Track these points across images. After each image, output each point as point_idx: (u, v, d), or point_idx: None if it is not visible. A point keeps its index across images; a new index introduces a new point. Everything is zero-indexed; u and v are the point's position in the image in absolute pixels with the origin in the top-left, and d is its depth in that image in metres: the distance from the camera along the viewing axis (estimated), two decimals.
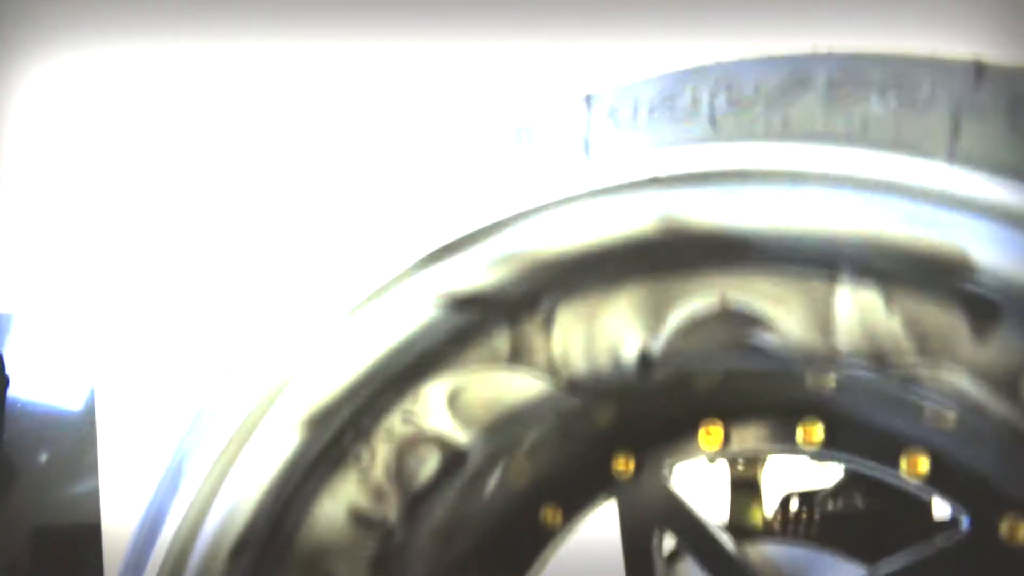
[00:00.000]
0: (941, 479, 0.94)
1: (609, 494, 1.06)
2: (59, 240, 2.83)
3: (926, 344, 0.77)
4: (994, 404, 0.76)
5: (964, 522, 0.93)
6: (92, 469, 2.82)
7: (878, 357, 0.80)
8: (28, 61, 2.88)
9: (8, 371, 2.88)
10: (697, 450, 1.05)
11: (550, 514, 1.09)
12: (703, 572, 1.03)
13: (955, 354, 0.76)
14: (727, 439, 1.04)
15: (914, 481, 0.95)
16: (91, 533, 2.75)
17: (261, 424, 0.89)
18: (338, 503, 0.95)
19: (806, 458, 1.24)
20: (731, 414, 1.03)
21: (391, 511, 0.96)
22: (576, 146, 0.81)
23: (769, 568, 1.02)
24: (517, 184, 0.81)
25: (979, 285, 0.69)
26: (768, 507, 1.23)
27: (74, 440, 2.87)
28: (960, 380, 0.78)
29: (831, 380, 0.96)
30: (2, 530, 2.80)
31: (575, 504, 1.08)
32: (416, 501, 0.96)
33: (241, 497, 0.90)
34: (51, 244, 2.82)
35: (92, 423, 2.85)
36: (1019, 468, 0.90)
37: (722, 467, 1.23)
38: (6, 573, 2.77)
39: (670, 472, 1.05)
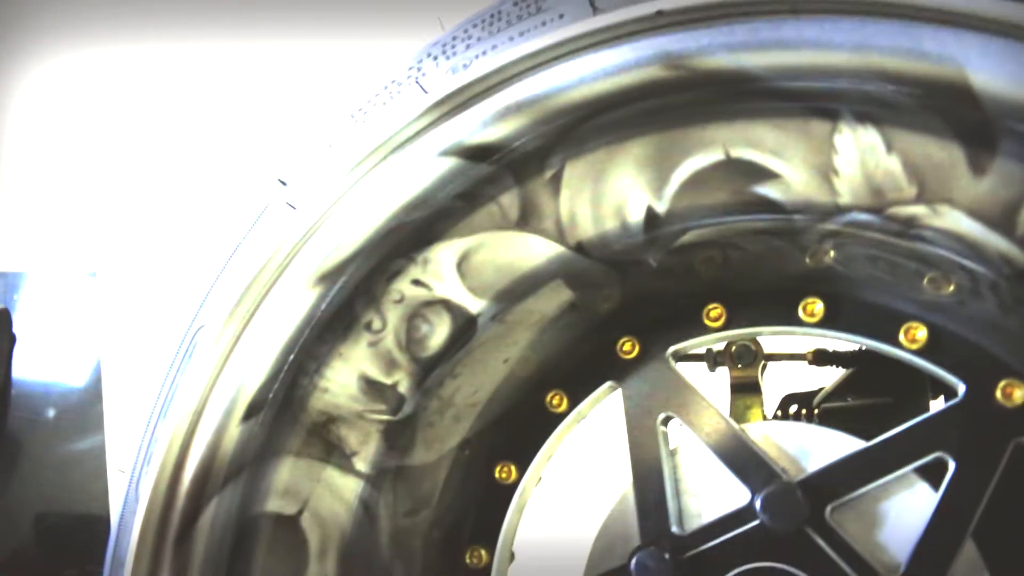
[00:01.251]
0: (938, 349, 0.96)
1: (614, 379, 1.08)
2: (68, 198, 2.85)
3: (925, 183, 0.79)
4: (992, 240, 0.78)
5: (961, 389, 0.95)
6: (98, 424, 2.84)
7: (878, 202, 0.82)
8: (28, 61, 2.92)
9: (15, 329, 2.90)
10: (700, 333, 1.06)
11: (556, 399, 1.11)
12: (707, 452, 1.04)
13: (953, 193, 0.78)
14: (729, 320, 1.06)
15: (912, 352, 0.97)
16: (98, 485, 2.77)
17: (275, 285, 0.91)
18: (350, 370, 0.96)
19: (805, 364, 1.26)
20: (733, 296, 1.05)
21: (402, 380, 0.98)
22: (582, 2, 0.83)
23: (771, 446, 1.04)
24: (525, 41, 0.83)
25: (977, 108, 0.71)
26: (768, 409, 1.25)
27: (80, 396, 2.90)
28: (958, 222, 0.80)
29: (830, 256, 0.98)
30: (13, 484, 2.82)
31: (580, 390, 1.10)
32: (426, 370, 0.98)
33: (255, 358, 0.92)
34: (60, 202, 2.84)
35: (98, 380, 2.87)
36: (1014, 336, 0.92)
37: (723, 373, 1.25)
38: (17, 527, 2.79)
39: (674, 356, 1.07)
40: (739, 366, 1.20)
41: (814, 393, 1.28)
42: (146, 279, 2.85)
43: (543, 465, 1.11)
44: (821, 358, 1.25)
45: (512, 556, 1.14)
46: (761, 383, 1.21)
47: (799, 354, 1.25)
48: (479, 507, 1.11)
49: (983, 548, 0.96)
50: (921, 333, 0.97)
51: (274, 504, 0.96)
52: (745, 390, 1.20)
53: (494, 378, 1.04)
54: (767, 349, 1.21)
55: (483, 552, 1.11)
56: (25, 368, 2.79)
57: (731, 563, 0.99)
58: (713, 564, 1.00)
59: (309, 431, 0.96)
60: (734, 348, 1.20)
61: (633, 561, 1.01)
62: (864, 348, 1.23)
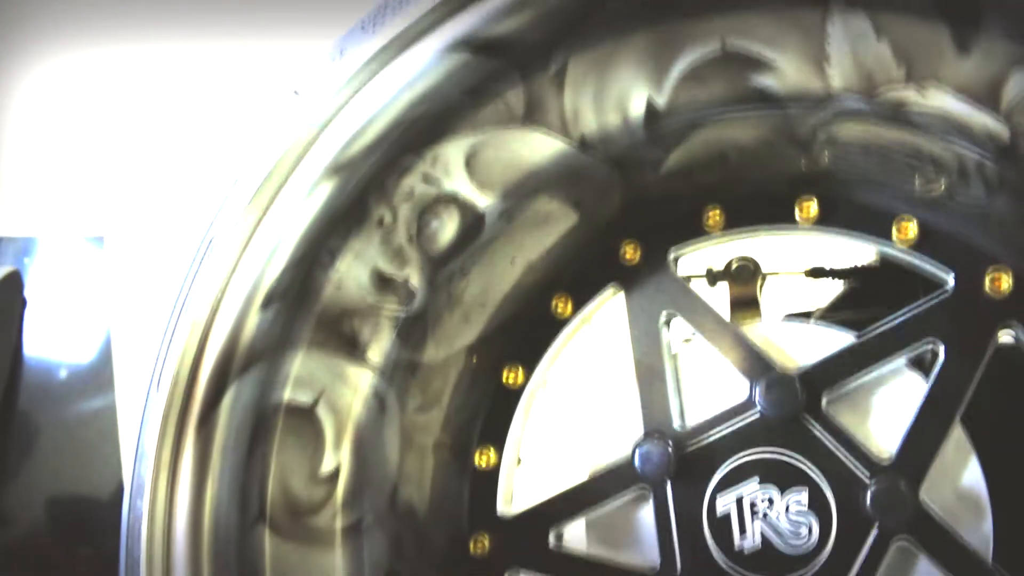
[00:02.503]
0: (929, 243, 1.01)
1: (617, 283, 1.12)
2: (75, 163, 2.89)
3: (912, 64, 0.83)
4: (978, 118, 0.82)
5: (950, 280, 0.99)
6: (108, 383, 2.89)
7: (869, 86, 0.86)
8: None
9: (27, 293, 2.95)
10: (700, 236, 1.11)
11: (560, 304, 1.15)
12: (708, 352, 1.08)
13: (940, 71, 0.83)
14: (728, 224, 1.10)
15: (903, 246, 1.01)
16: (109, 444, 2.81)
17: (291, 176, 0.95)
18: (362, 264, 1.01)
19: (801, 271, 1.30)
20: (731, 199, 1.09)
21: (412, 274, 1.02)
22: None
23: (769, 345, 1.08)
24: None
25: None
26: None
27: (91, 357, 2.94)
28: (945, 101, 0.84)
29: (824, 156, 1.02)
30: (23, 444, 2.87)
31: (584, 294, 1.14)
32: (436, 266, 1.02)
33: (273, 248, 0.96)
34: (68, 167, 2.88)
35: (108, 341, 2.91)
36: (1001, 226, 0.96)
37: (722, 289, 1.28)
38: (27, 485, 2.83)
39: (675, 260, 1.11)
40: (738, 287, 1.23)
41: (811, 312, 1.32)
42: (155, 244, 2.89)
43: (549, 368, 1.15)
44: (817, 273, 1.28)
45: (519, 461, 1.18)
46: (760, 299, 1.25)
47: (796, 271, 1.29)
48: (488, 409, 1.15)
49: (971, 432, 0.99)
50: (912, 228, 1.01)
51: (291, 394, 1.00)
52: (744, 306, 1.24)
53: (501, 280, 1.08)
54: (765, 266, 1.25)
55: (492, 452, 1.15)
56: (36, 331, 2.83)
57: (732, 453, 1.04)
58: (714, 455, 1.04)
59: (324, 324, 1.00)
60: (734, 265, 1.23)
61: (636, 453, 1.05)
62: (858, 264, 1.28)
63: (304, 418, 1.01)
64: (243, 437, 0.97)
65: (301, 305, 0.98)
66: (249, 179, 0.93)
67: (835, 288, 1.32)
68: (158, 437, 0.95)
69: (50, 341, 2.81)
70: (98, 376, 2.77)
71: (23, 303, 2.82)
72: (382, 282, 1.00)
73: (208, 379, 0.95)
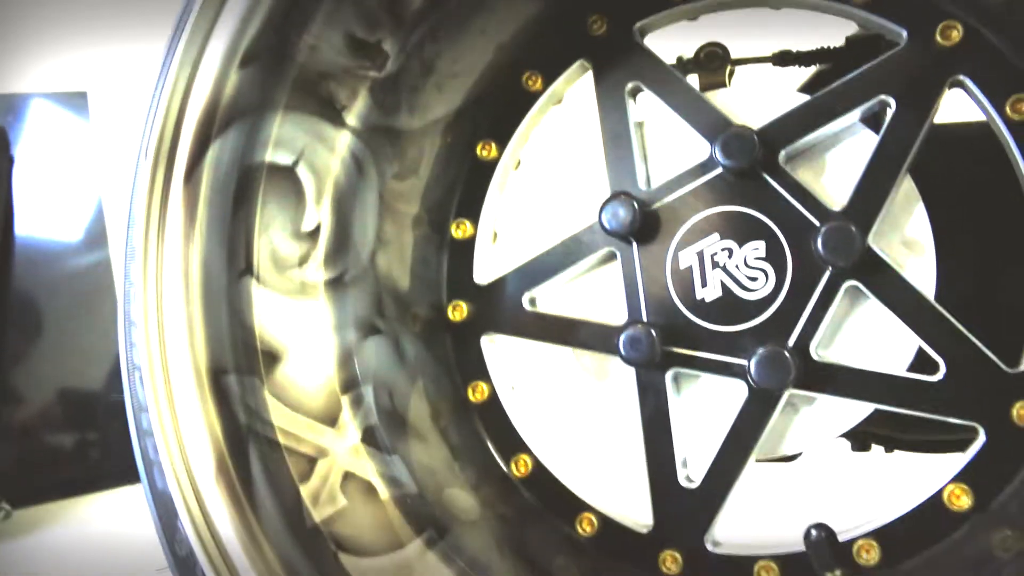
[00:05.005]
0: (884, 2, 1.04)
1: (584, 57, 1.16)
2: (58, 17, 2.87)
3: None
4: None
5: (903, 35, 1.03)
6: (101, 238, 2.94)
7: None
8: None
9: (13, 152, 2.96)
10: (666, 7, 1.14)
11: (531, 80, 1.19)
12: (667, 109, 1.12)
13: None
14: None
15: (861, 7, 1.04)
16: (105, 293, 2.88)
17: None
18: (336, 27, 1.04)
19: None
20: None
21: (384, 38, 1.05)
22: None
23: (729, 109, 1.12)
24: None
25: None
26: None
27: (83, 216, 2.98)
28: None
29: None
30: (20, 302, 2.93)
31: (553, 69, 1.18)
32: (407, 29, 1.06)
33: (248, 8, 0.99)
34: (51, 22, 2.87)
35: (98, 199, 2.95)
36: None
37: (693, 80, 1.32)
38: (23, 333, 2.90)
39: (641, 31, 1.14)
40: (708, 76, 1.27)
41: None
42: (138, 97, 2.90)
43: (521, 145, 1.19)
44: (785, 58, 1.32)
45: (495, 236, 1.23)
46: (728, 85, 1.29)
47: (764, 57, 1.32)
48: (464, 183, 1.20)
49: (919, 182, 1.05)
50: None
51: (272, 154, 1.05)
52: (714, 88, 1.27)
53: (473, 51, 1.11)
54: (733, 52, 1.28)
55: (468, 224, 1.21)
56: (26, 189, 2.85)
57: (693, 210, 1.09)
58: (677, 213, 1.10)
59: (302, 86, 1.04)
60: (703, 53, 1.27)
61: (603, 212, 1.10)
62: (823, 47, 1.31)
63: (285, 177, 1.05)
64: (227, 194, 1.02)
65: (278, 66, 1.02)
66: None
67: (803, 74, 1.36)
68: (146, 195, 1.00)
69: (40, 199, 2.83)
70: (90, 231, 2.82)
71: (10, 161, 2.84)
72: (356, 45, 1.04)
73: (192, 136, 0.99)
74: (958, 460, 0.99)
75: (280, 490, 0.98)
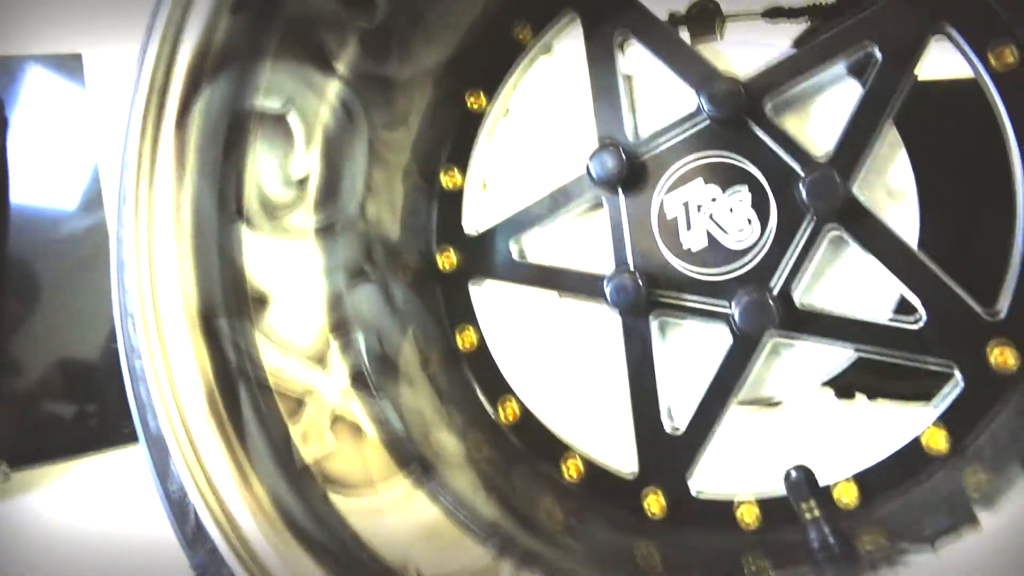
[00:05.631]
0: None
1: (573, 7, 1.16)
2: None
3: None
4: None
5: None
6: (97, 201, 2.94)
7: None
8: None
9: (8, 115, 2.96)
10: None
11: (521, 31, 1.20)
12: (656, 61, 1.13)
13: None
14: None
15: None
16: (102, 258, 2.87)
17: None
18: None
19: None
20: None
21: None
22: None
23: (715, 58, 1.13)
24: None
25: None
26: None
27: (79, 180, 2.98)
28: None
29: None
30: (16, 268, 2.93)
31: (543, 20, 1.19)
32: None
33: None
34: None
35: (94, 164, 2.94)
36: None
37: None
38: (20, 300, 2.90)
39: None
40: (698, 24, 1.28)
41: None
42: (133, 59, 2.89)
43: (511, 96, 1.20)
44: (775, 14, 1.33)
45: (484, 185, 1.24)
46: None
47: (755, 12, 1.33)
48: (453, 133, 1.21)
49: (904, 134, 1.06)
50: None
51: (262, 101, 1.06)
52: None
53: (463, 2, 1.12)
54: (725, 8, 1.29)
55: (457, 174, 1.22)
56: (21, 153, 2.85)
57: (679, 159, 1.10)
58: (663, 162, 1.11)
59: (292, 34, 1.05)
60: (695, 9, 1.28)
61: (591, 161, 1.11)
62: (814, 3, 1.32)
63: (276, 124, 1.07)
64: (218, 139, 1.03)
65: (269, 13, 1.03)
66: None
67: (794, 30, 1.37)
68: (138, 140, 1.01)
69: (36, 163, 2.83)
70: (87, 196, 2.81)
71: (4, 123, 2.84)
72: None
73: (182, 81, 1.01)
74: (937, 405, 1.00)
75: (270, 430, 1.00)
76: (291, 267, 1.07)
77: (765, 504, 1.04)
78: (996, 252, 1.04)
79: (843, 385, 1.31)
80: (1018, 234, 0.99)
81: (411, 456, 1.06)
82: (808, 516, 0.95)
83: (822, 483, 1.01)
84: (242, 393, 1.00)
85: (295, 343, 1.05)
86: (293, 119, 1.06)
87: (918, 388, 1.21)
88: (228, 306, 1.02)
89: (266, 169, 1.06)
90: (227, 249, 1.04)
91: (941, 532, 0.87)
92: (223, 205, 1.03)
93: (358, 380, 1.07)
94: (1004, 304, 0.98)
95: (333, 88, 1.08)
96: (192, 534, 1.00)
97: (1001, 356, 0.97)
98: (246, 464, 0.98)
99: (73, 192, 2.85)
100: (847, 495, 1.01)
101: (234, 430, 0.99)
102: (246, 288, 1.04)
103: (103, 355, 2.88)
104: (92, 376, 2.92)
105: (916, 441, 1.00)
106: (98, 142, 2.87)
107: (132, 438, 1.07)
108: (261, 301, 1.04)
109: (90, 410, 2.90)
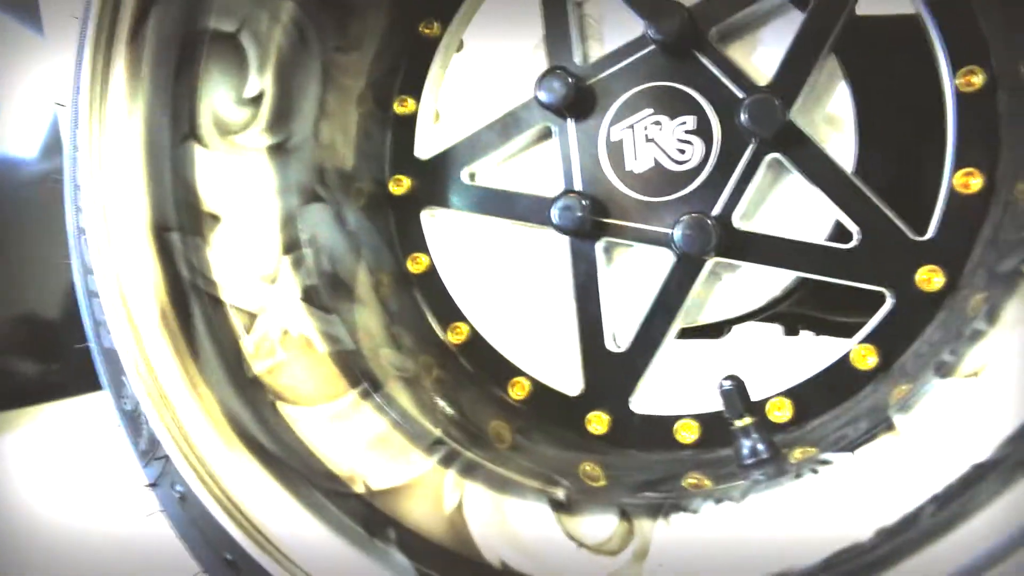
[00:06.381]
0: None
1: None
2: None
3: None
4: None
5: None
6: (56, 150, 2.93)
7: None
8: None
9: None
10: None
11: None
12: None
13: None
14: None
15: None
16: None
17: None
18: None
19: None
20: None
21: None
22: None
23: None
24: None
25: None
26: None
27: (37, 126, 2.96)
28: None
29: None
30: None
31: None
32: None
33: None
34: None
35: (53, 112, 2.93)
36: None
37: None
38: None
39: None
40: None
41: None
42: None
43: (464, 24, 1.22)
44: None
45: (437, 116, 1.26)
46: None
47: None
48: (407, 61, 1.23)
49: (846, 66, 1.09)
50: None
51: (215, 21, 1.07)
52: None
53: None
54: None
55: (410, 101, 1.24)
56: None
57: (627, 86, 1.13)
58: (612, 88, 1.13)
59: None
60: None
61: (540, 85, 1.13)
62: None
63: (229, 44, 1.08)
64: (170, 58, 1.05)
65: None
66: None
67: None
68: (89, 60, 1.02)
69: None
70: (47, 142, 2.80)
71: None
72: None
73: (133, 0, 1.01)
74: (867, 323, 1.04)
75: (221, 343, 1.03)
76: (244, 186, 1.09)
77: (704, 420, 1.08)
78: (928, 181, 1.07)
79: (788, 320, 1.36)
80: (948, 164, 1.02)
81: (360, 372, 1.09)
82: (740, 425, 0.98)
83: (758, 398, 1.05)
84: (194, 307, 1.03)
85: (247, 260, 1.07)
86: (246, 39, 1.08)
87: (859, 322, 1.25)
88: (181, 222, 1.04)
89: (219, 88, 1.07)
90: (179, 167, 1.05)
91: (861, 437, 0.90)
92: (176, 123, 1.05)
93: (309, 296, 1.09)
94: (933, 229, 1.02)
95: (286, 9, 1.10)
96: (145, 446, 1.02)
97: (928, 278, 1.00)
98: (197, 375, 1.00)
99: (33, 140, 2.84)
100: (781, 410, 1.05)
101: (186, 342, 1.01)
102: (198, 205, 1.06)
103: (63, 298, 2.88)
104: (54, 324, 2.92)
105: (846, 358, 1.03)
106: (57, 89, 2.84)
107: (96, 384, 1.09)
108: (214, 218, 1.06)
109: (51, 347, 2.91)
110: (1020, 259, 0.88)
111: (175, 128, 1.05)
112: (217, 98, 1.08)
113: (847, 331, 1.37)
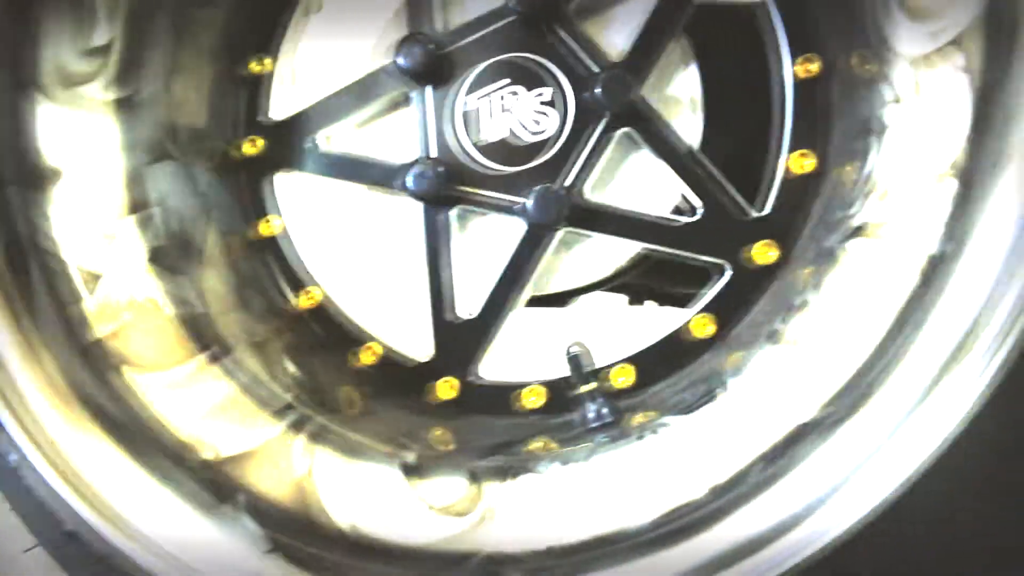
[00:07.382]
0: None
1: None
2: None
3: None
4: None
5: None
6: None
7: None
8: None
9: None
10: None
11: None
12: None
13: None
14: None
15: None
16: None
17: None
18: None
19: None
20: None
21: None
22: None
23: None
24: None
25: None
26: None
27: None
28: None
29: None
30: None
31: None
32: None
33: None
34: None
35: None
36: None
37: None
38: None
39: None
40: None
41: None
42: None
43: None
44: None
45: (295, 79, 1.24)
46: None
47: None
48: (263, 19, 1.21)
49: (694, 42, 1.13)
50: None
51: None
52: None
53: None
54: None
55: (266, 60, 1.22)
56: None
57: (486, 55, 1.14)
58: (471, 56, 1.14)
59: None
60: None
61: (399, 50, 1.13)
62: None
63: None
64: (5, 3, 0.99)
65: None
66: None
67: None
68: None
69: None
70: None
71: None
72: None
73: None
74: (705, 294, 1.10)
75: (61, 304, 0.99)
76: (88, 140, 1.05)
77: (551, 386, 1.11)
78: (766, 160, 1.13)
79: (635, 290, 1.41)
80: (784, 145, 1.08)
81: (209, 336, 1.07)
82: (585, 390, 1.02)
83: (601, 364, 1.09)
84: (32, 267, 0.99)
85: (91, 218, 1.04)
86: None
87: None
88: (19, 176, 0.99)
89: (63, 37, 1.03)
90: (18, 118, 1.01)
91: (699, 401, 0.96)
92: (14, 72, 1.00)
93: (157, 257, 1.06)
94: (769, 206, 1.08)
95: None
96: None
97: (763, 252, 1.07)
98: (35, 339, 0.96)
99: None
100: (624, 376, 1.09)
101: (23, 303, 0.97)
102: (39, 159, 1.01)
103: None
104: None
105: (685, 327, 1.09)
106: None
107: None
108: (55, 173, 1.02)
109: None
110: (843, 235, 0.95)
111: (13, 77, 1.00)
112: (61, 47, 1.03)
113: (690, 302, 1.44)
